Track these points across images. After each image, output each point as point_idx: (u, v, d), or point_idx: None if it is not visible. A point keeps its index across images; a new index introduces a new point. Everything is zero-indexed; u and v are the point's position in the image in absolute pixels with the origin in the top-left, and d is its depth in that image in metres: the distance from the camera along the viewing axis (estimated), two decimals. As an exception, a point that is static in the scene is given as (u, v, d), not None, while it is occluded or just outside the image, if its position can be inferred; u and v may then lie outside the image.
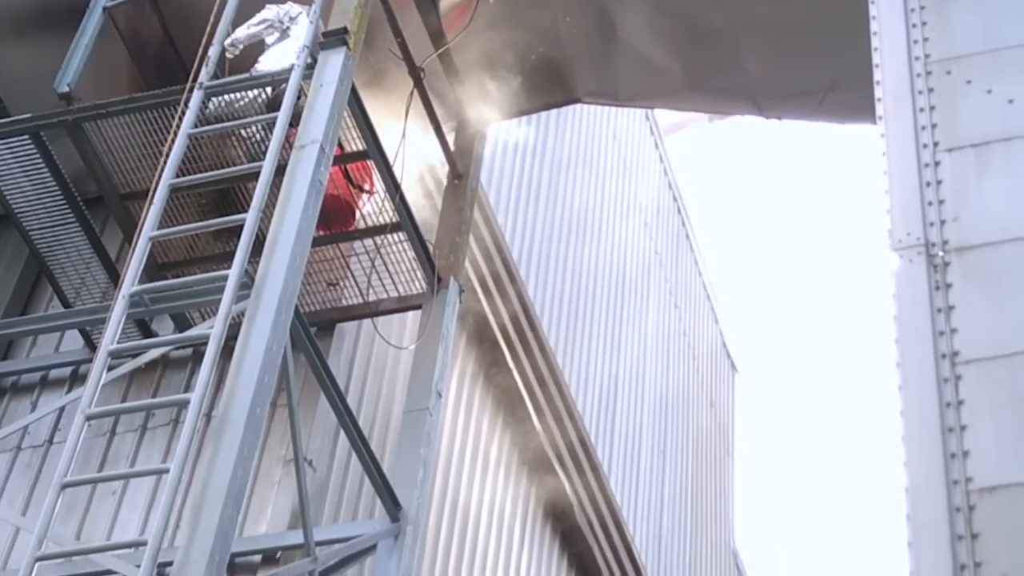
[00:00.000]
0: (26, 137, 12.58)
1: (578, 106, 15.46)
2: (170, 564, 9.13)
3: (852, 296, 51.62)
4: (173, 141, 11.34)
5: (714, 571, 22.39)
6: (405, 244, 13.07)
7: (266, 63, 12.35)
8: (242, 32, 12.66)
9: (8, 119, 12.96)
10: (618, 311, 20.39)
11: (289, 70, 11.71)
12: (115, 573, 10.64)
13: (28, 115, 12.71)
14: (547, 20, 13.84)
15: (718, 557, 22.76)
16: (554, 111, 15.75)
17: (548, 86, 14.50)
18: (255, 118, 11.89)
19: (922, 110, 10.21)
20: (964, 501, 8.30)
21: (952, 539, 8.19)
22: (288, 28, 12.65)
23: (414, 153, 14.18)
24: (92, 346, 12.62)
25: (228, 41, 12.26)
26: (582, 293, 19.14)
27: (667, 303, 22.67)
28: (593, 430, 18.09)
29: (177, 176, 11.17)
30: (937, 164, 9.91)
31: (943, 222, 9.56)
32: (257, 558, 11.59)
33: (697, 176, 26.43)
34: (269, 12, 12.80)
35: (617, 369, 19.83)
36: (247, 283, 10.37)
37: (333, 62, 11.63)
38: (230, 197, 12.34)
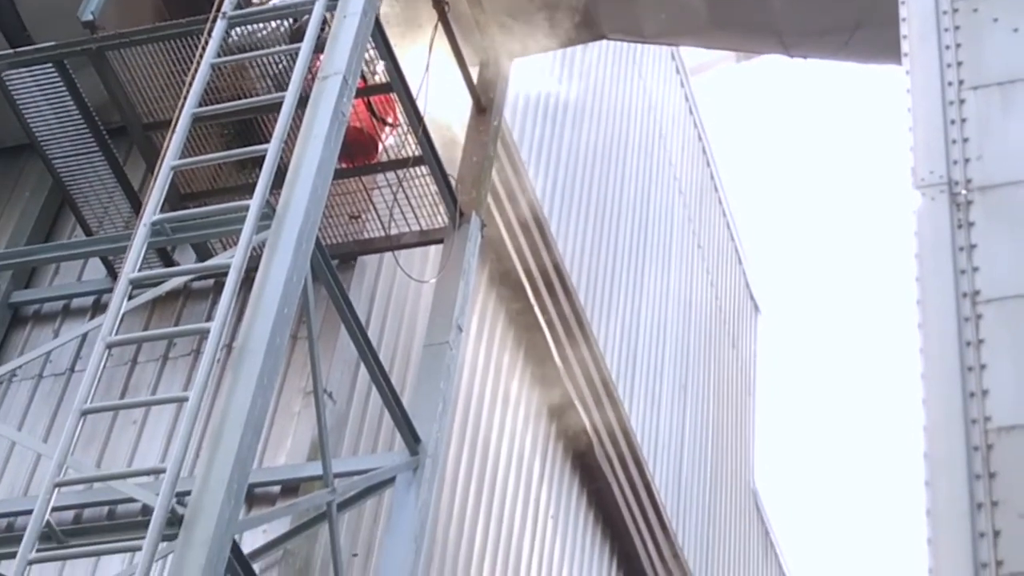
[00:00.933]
0: (50, 65, 12.57)
1: (603, 43, 15.33)
2: (189, 493, 9.13)
3: (877, 236, 51.60)
4: (196, 71, 11.33)
5: (733, 510, 22.41)
6: (428, 178, 13.04)
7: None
8: None
9: (32, 47, 12.98)
10: (641, 250, 20.37)
11: (313, 0, 11.67)
12: (134, 500, 10.68)
13: (52, 43, 12.71)
14: (572, -45, 13.80)
15: (738, 496, 22.78)
16: (579, 47, 15.65)
17: (573, 22, 14.42)
18: (278, 48, 11.84)
19: (948, 48, 10.17)
20: (982, 440, 8.28)
21: (970, 478, 8.17)
22: None
23: (438, 86, 14.14)
24: (114, 275, 12.66)
25: None
26: (606, 232, 19.11)
27: (691, 243, 22.64)
28: (614, 368, 18.09)
29: (200, 106, 11.16)
30: (962, 102, 9.88)
31: (967, 160, 9.52)
32: (276, 489, 11.63)
33: (723, 117, 26.37)
34: None
35: (639, 307, 19.82)
36: (268, 213, 10.35)
37: (355, -7, 11.60)
38: (252, 128, 12.31)
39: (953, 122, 9.76)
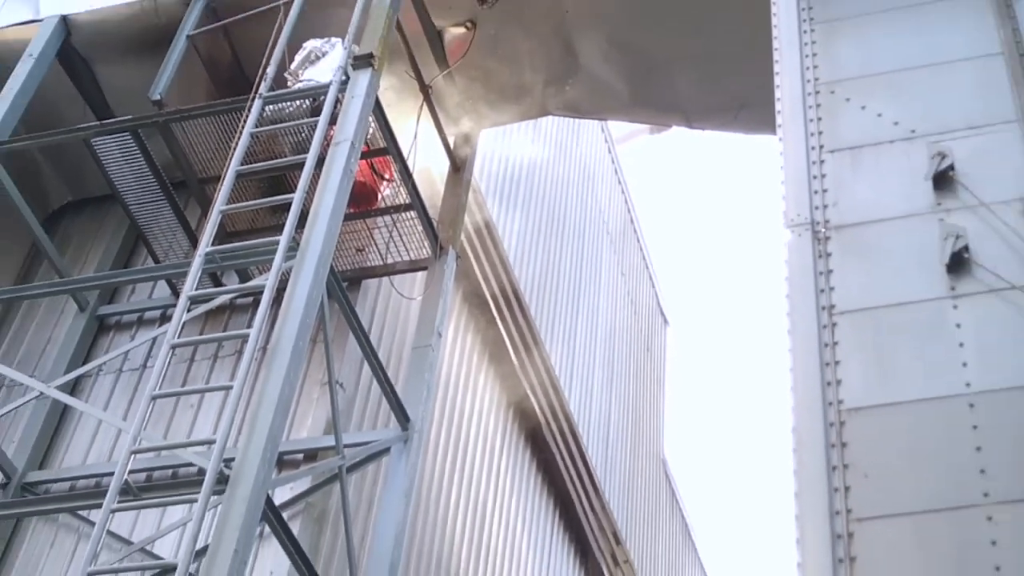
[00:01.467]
0: (127, 134, 12.61)
1: (549, 117, 15.41)
2: (233, 459, 9.17)
3: (759, 264, 52.10)
4: (239, 138, 11.38)
5: (647, 473, 22.45)
6: (415, 220, 13.10)
7: (310, 78, 12.30)
8: (294, 65, 12.62)
9: (113, 119, 13.00)
10: (579, 277, 20.40)
11: (328, 84, 11.71)
12: (192, 464, 10.70)
13: (128, 117, 12.75)
14: (526, 51, 13.79)
15: (651, 463, 22.83)
16: (531, 121, 15.74)
17: (525, 102, 14.45)
18: (301, 121, 11.89)
19: (811, 121, 10.22)
20: (836, 418, 8.33)
21: (827, 447, 8.21)
22: (325, 54, 12.59)
23: (423, 150, 14.20)
24: (176, 293, 12.65)
25: (286, 73, 12.26)
26: (551, 262, 19.14)
27: (615, 271, 22.69)
28: (558, 366, 18.11)
29: (242, 165, 11.21)
30: (822, 162, 9.92)
31: (825, 206, 9.58)
32: (300, 456, 11.67)
33: (641, 175, 26.40)
34: (309, 44, 12.74)
35: (577, 320, 19.86)
36: (294, 247, 10.41)
37: (362, 79, 11.65)
38: (282, 181, 12.35)
39: (815, 177, 9.80)
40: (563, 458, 17.94)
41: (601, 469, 19.31)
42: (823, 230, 9.38)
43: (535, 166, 19.16)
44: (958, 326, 8.56)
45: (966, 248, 8.90)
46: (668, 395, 25.24)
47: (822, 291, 9.00)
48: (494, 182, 17.04)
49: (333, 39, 12.81)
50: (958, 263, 8.84)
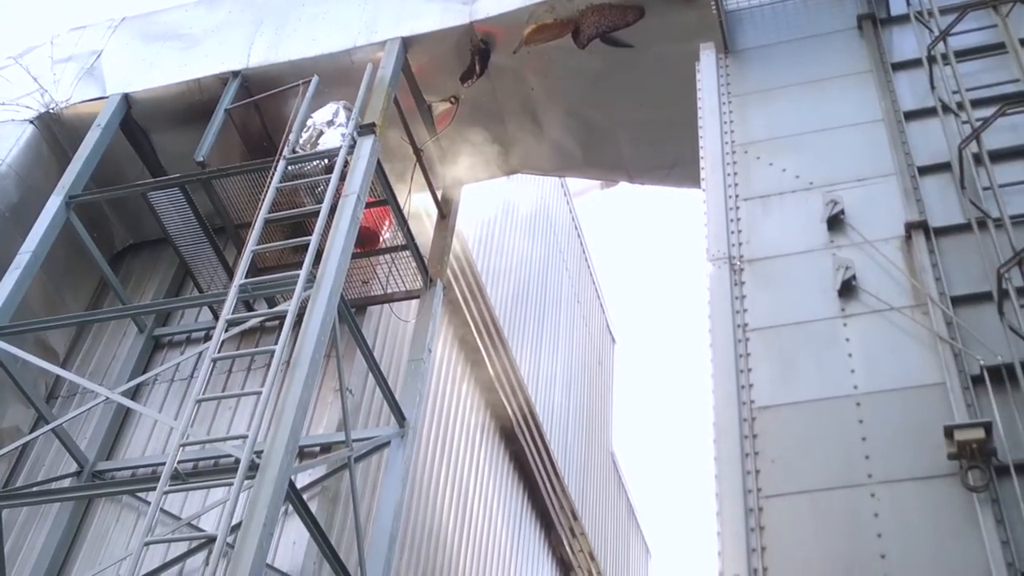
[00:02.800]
0: (177, 189, 12.53)
1: (518, 174, 15.40)
2: (262, 451, 9.10)
3: (687, 292, 52.33)
4: (267, 192, 11.33)
5: (599, 464, 22.39)
6: (410, 258, 13.04)
7: (324, 143, 12.27)
8: (313, 120, 12.57)
9: (166, 177, 12.93)
10: (543, 304, 20.36)
11: (339, 148, 11.68)
12: (230, 455, 10.62)
13: (178, 175, 12.69)
14: (499, 122, 13.78)
15: (601, 454, 22.77)
16: (504, 178, 15.73)
17: (499, 162, 14.41)
18: (317, 177, 11.83)
19: (729, 175, 10.24)
20: (749, 415, 8.34)
21: (741, 438, 8.22)
22: (335, 120, 12.54)
23: (416, 201, 14.19)
24: (217, 317, 12.56)
25: (303, 140, 12.22)
26: (521, 292, 19.11)
27: (572, 299, 22.67)
28: (525, 374, 18.05)
29: (269, 213, 11.16)
30: (738, 208, 9.95)
31: (740, 244, 9.59)
32: (317, 448, 11.60)
33: (594, 221, 26.45)
34: (330, 108, 12.69)
35: (541, 337, 19.81)
36: (311, 280, 10.35)
37: (366, 144, 11.62)
38: (302, 226, 12.27)
39: (732, 220, 9.81)
40: (530, 450, 17.88)
41: (561, 459, 19.25)
42: (738, 263, 9.39)
43: (509, 215, 19.16)
44: (847, 340, 8.58)
45: (854, 277, 8.93)
46: (615, 400, 25.19)
47: (737, 312, 9.01)
48: (475, 229, 17.01)
49: (338, 110, 12.74)
50: (847, 289, 8.88)
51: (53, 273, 13.13)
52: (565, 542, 19.12)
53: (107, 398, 11.11)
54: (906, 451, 7.73)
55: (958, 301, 8.51)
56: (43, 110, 13.59)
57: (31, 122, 13.51)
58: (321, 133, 12.31)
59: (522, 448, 17.64)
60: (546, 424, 18.63)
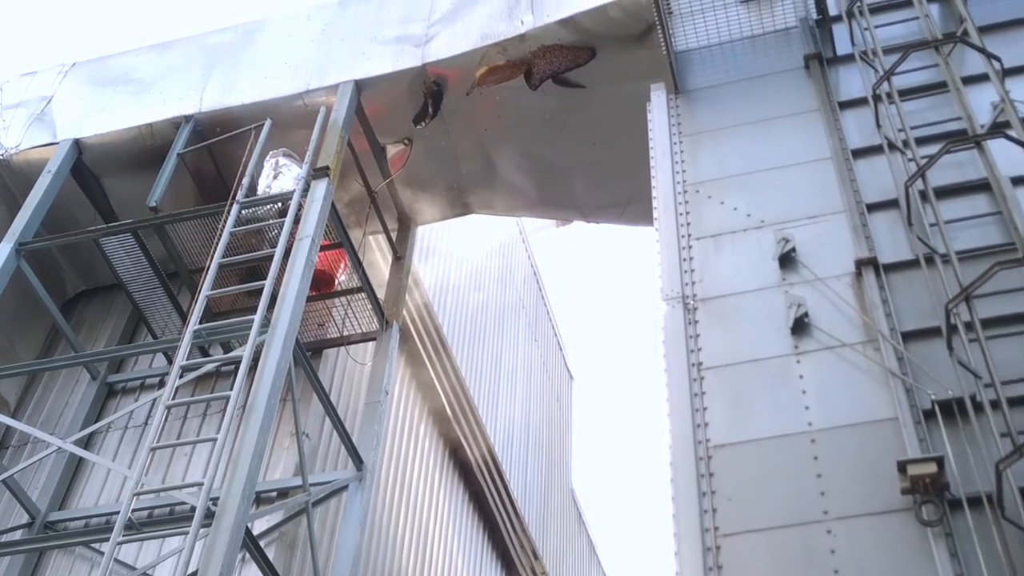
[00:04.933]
0: (129, 234, 12.50)
1: (473, 215, 15.48)
2: (218, 498, 9.06)
3: (642, 330, 52.45)
4: (220, 236, 11.33)
5: (559, 501, 22.34)
6: (365, 300, 13.06)
7: (276, 187, 12.28)
8: (262, 181, 12.58)
9: (118, 223, 12.90)
10: (500, 343, 20.35)
11: (293, 192, 11.71)
12: (184, 503, 10.56)
13: (130, 220, 12.67)
14: (453, 163, 13.86)
15: (561, 492, 22.73)
16: (459, 218, 15.80)
17: (453, 203, 14.50)
18: (271, 221, 11.86)
19: (681, 214, 10.32)
20: (705, 453, 8.39)
21: (698, 477, 8.26)
22: (281, 171, 12.55)
23: (371, 244, 14.22)
24: (171, 363, 12.49)
25: (259, 189, 12.24)
26: (477, 332, 19.11)
27: (529, 337, 22.70)
28: (484, 413, 18.00)
29: (223, 257, 11.16)
30: (690, 247, 10.02)
31: (694, 283, 9.68)
32: (273, 493, 11.53)
33: (550, 260, 26.50)
34: (268, 164, 12.70)
35: (499, 376, 19.79)
36: (266, 324, 10.35)
37: (320, 187, 11.66)
38: (256, 269, 12.28)
39: (685, 259, 9.89)
40: (490, 490, 17.84)
41: (521, 498, 19.21)
42: (692, 302, 9.47)
43: (464, 256, 19.20)
44: (801, 377, 8.67)
45: (806, 314, 9.02)
46: (574, 437, 25.20)
47: (692, 351, 9.08)
48: (430, 270, 17.03)
49: (284, 159, 12.76)
50: (800, 326, 8.97)
51: (3, 321, 13.07)
52: (526, 582, 19.09)
53: (59, 448, 11.03)
54: (861, 487, 7.81)
55: (908, 336, 8.62)
56: (-8, 156, 13.55)
57: (-20, 168, 13.46)
58: (270, 186, 12.35)
59: (481, 488, 17.61)
60: (505, 463, 18.61)
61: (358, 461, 11.87)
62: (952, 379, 8.14)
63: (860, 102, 10.72)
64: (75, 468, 12.50)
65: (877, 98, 10.33)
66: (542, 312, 24.22)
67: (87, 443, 12.52)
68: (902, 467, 7.60)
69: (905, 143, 9.71)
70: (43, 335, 14.00)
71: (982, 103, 10.01)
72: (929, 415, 8.05)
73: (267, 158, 12.55)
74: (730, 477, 8.12)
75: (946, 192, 9.32)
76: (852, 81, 11.06)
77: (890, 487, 7.67)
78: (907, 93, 10.25)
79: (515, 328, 21.64)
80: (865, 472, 7.88)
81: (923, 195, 9.27)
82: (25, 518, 11.86)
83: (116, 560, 10.39)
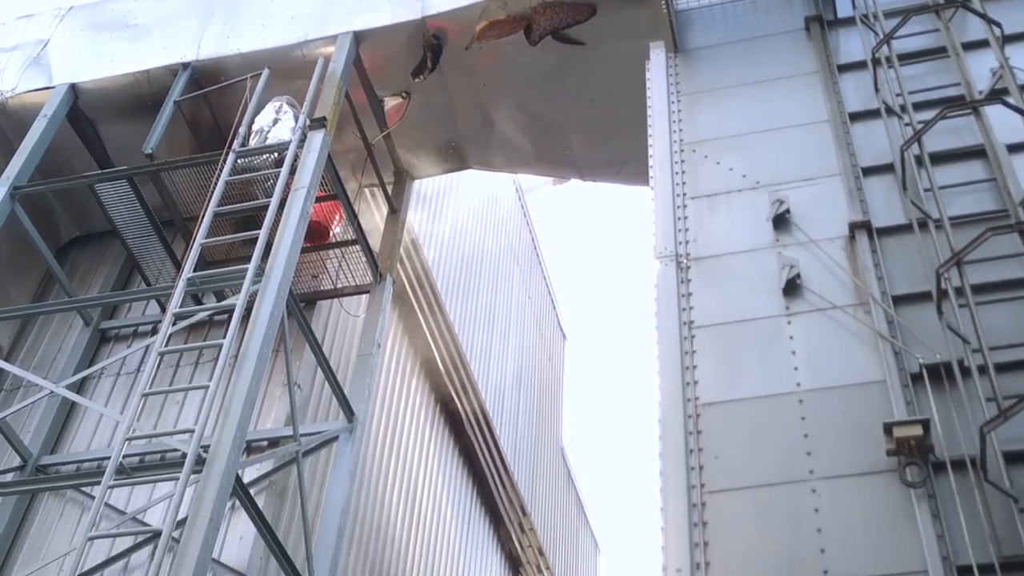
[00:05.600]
0: (124, 181, 12.49)
1: (470, 171, 15.49)
2: (209, 446, 9.12)
3: (635, 289, 52.49)
4: (215, 185, 11.33)
5: (548, 458, 22.46)
6: (360, 253, 13.09)
7: (273, 136, 12.26)
8: (258, 124, 12.54)
9: (113, 169, 12.89)
10: (493, 300, 20.42)
11: (289, 142, 11.71)
12: (176, 450, 10.63)
13: (125, 167, 12.65)
14: (451, 117, 13.84)
15: (551, 450, 22.86)
16: (456, 174, 15.79)
17: (450, 157, 14.49)
18: (266, 171, 11.84)
19: (677, 173, 10.34)
20: (694, 411, 8.46)
21: (686, 434, 8.33)
22: (280, 117, 12.51)
23: (366, 197, 14.23)
24: (164, 310, 12.55)
25: (253, 133, 12.21)
26: (471, 287, 19.15)
27: (523, 294, 22.76)
28: (476, 369, 18.09)
29: (218, 206, 11.17)
30: (685, 206, 10.06)
31: (687, 242, 9.71)
32: (264, 443, 11.61)
33: (545, 218, 26.43)
34: (271, 107, 12.67)
35: (492, 334, 19.87)
36: (260, 273, 10.37)
37: (316, 138, 11.64)
38: (251, 219, 12.28)
39: (679, 218, 9.92)
40: (480, 445, 17.96)
41: (511, 454, 19.34)
42: (685, 261, 9.52)
43: (460, 210, 19.22)
44: (791, 338, 8.73)
45: (798, 276, 9.08)
46: (566, 396, 25.31)
47: (683, 310, 9.14)
48: (426, 223, 17.06)
49: (284, 105, 12.72)
50: (792, 288, 9.03)
51: (-3, 265, 13.08)
52: (514, 537, 19.24)
53: (51, 392, 11.08)
54: (847, 447, 7.90)
55: (899, 300, 8.69)
56: (-12, 99, 13.52)
57: (-25, 111, 13.43)
58: (269, 128, 12.31)
59: (471, 443, 17.72)
60: (496, 419, 18.72)
61: (349, 413, 11.94)
62: (941, 343, 8.21)
63: (859, 65, 10.73)
64: (67, 413, 12.54)
65: (876, 62, 10.35)
66: (536, 270, 24.27)
67: (79, 388, 12.55)
68: (888, 429, 7.68)
69: (903, 107, 9.73)
70: (37, 280, 14.02)
71: (981, 69, 10.04)
72: (917, 379, 8.13)
73: (272, 100, 12.51)
74: (718, 435, 8.19)
75: (941, 158, 9.36)
76: (852, 44, 11.07)
77: (876, 449, 7.76)
78: (907, 57, 10.26)
79: (509, 286, 21.70)
80: (851, 433, 7.96)
81: (919, 160, 9.31)
82: (17, 461, 11.92)
83: (106, 504, 10.48)
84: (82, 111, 13.46)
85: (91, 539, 8.81)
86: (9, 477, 11.84)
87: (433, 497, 16.21)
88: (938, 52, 10.29)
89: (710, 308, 9.11)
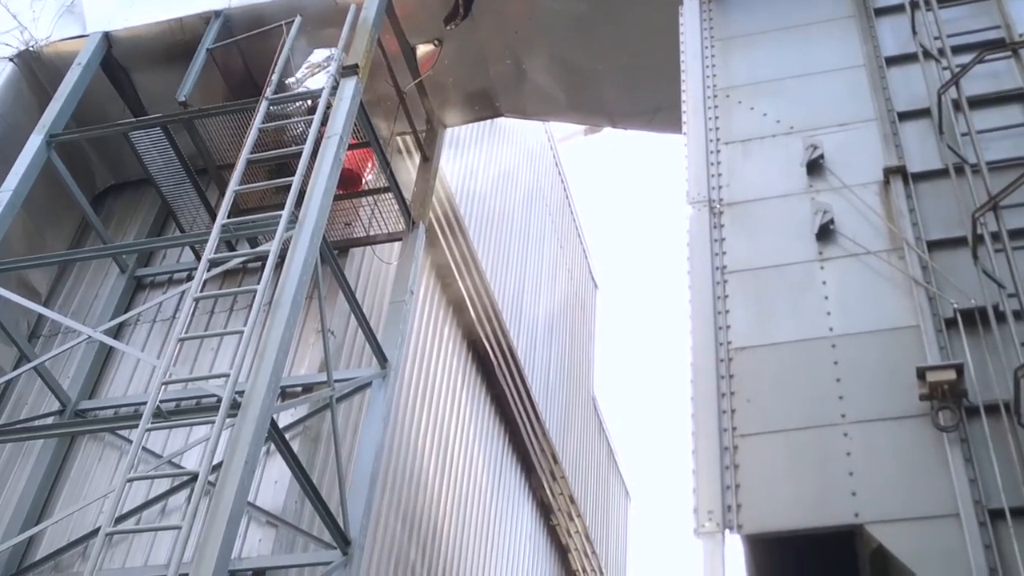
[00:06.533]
0: (158, 128, 12.52)
1: (502, 119, 15.45)
2: (244, 391, 9.20)
3: (668, 236, 52.39)
4: (250, 132, 11.34)
5: (580, 407, 22.53)
6: (392, 200, 13.09)
7: (308, 82, 12.27)
8: (299, 72, 12.57)
9: (147, 117, 12.93)
10: (525, 247, 20.39)
11: (321, 89, 11.70)
12: (211, 395, 10.72)
13: (159, 115, 12.68)
14: (483, 65, 13.80)
15: (582, 398, 22.92)
16: (488, 121, 15.77)
17: (482, 105, 14.47)
18: (299, 119, 11.86)
19: (710, 119, 10.30)
20: (726, 355, 8.46)
21: (718, 378, 8.34)
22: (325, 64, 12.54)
23: (398, 144, 14.22)
24: (199, 257, 12.63)
25: (293, 78, 12.22)
26: (503, 235, 19.15)
27: (555, 243, 22.73)
28: (507, 317, 18.11)
29: (252, 154, 11.18)
30: (718, 152, 10.02)
31: (720, 187, 9.68)
32: (299, 388, 11.68)
33: (577, 167, 26.38)
34: (314, 56, 12.68)
35: (524, 282, 19.87)
36: (293, 220, 10.40)
37: (349, 85, 11.63)
38: (284, 167, 12.30)
39: (712, 164, 9.89)
40: (511, 392, 18.01)
41: (542, 402, 19.41)
42: (718, 206, 9.49)
43: (492, 158, 19.19)
44: (824, 283, 8.71)
45: (832, 221, 9.04)
46: (597, 344, 25.32)
47: (716, 255, 9.12)
48: (457, 171, 17.04)
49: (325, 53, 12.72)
50: (825, 233, 8.99)
51: (34, 212, 13.15)
52: (545, 485, 19.33)
53: (89, 337, 11.18)
54: (879, 392, 7.88)
55: (934, 245, 8.64)
56: (23, 48, 13.54)
57: (11, 60, 13.46)
58: (318, 65, 12.31)
59: (503, 391, 17.78)
60: (527, 367, 18.77)
61: (382, 359, 11.99)
62: (975, 289, 8.17)
63: (896, 9, 10.61)
64: (105, 358, 12.67)
65: (914, 5, 10.22)
66: (568, 219, 24.23)
67: (116, 334, 12.67)
68: (921, 373, 7.66)
69: (941, 51, 9.62)
70: (73, 227, 14.11)
71: (1022, 11, 9.90)
72: (950, 324, 8.10)
73: (323, 49, 12.53)
74: (750, 379, 8.20)
75: (979, 102, 9.27)
76: (889, -13, 10.93)
77: (908, 393, 7.75)
78: (945, 0, 10.12)
79: (541, 234, 21.68)
80: (884, 378, 7.95)
81: (956, 104, 9.22)
82: (56, 405, 12.06)
83: (144, 448, 10.62)
84: (116, 59, 13.49)
85: (129, 481, 8.93)
86: (49, 421, 11.99)
87: (465, 444, 16.30)
88: (977, -6, 10.16)
89: (743, 253, 9.09)
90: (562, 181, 24.19)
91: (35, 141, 12.37)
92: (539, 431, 18.97)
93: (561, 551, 20.17)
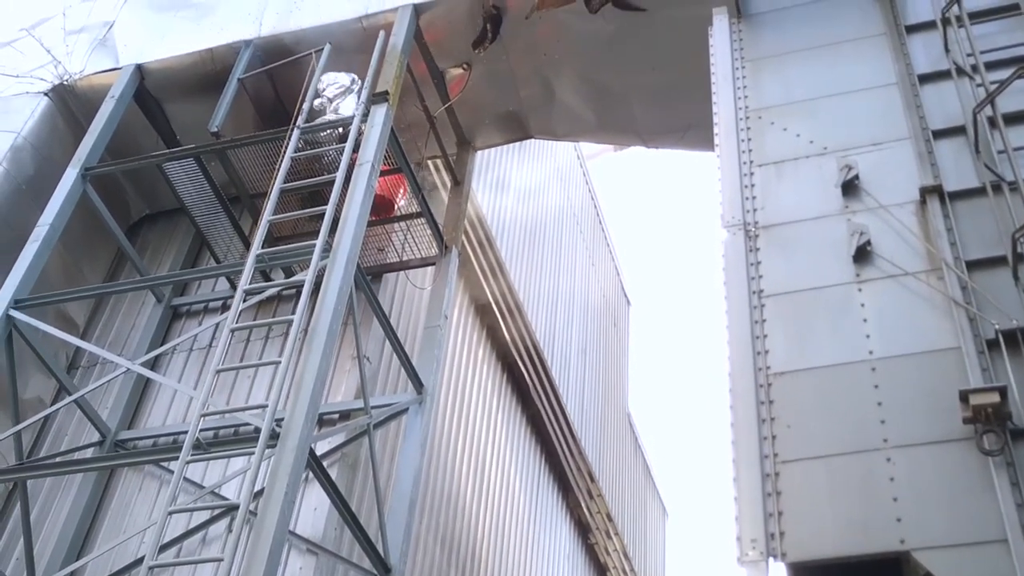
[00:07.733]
0: (191, 159, 12.56)
1: (532, 140, 15.41)
2: (282, 419, 9.20)
3: (702, 257, 52.14)
4: (282, 161, 11.37)
5: (615, 425, 22.47)
6: (425, 225, 13.08)
7: (341, 111, 12.29)
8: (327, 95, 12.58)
9: (180, 148, 12.97)
10: (557, 267, 20.39)
11: (352, 117, 11.71)
12: (249, 424, 10.72)
13: (192, 145, 12.72)
14: (512, 87, 13.78)
15: (618, 416, 22.85)
16: (517, 143, 15.73)
17: (512, 127, 14.44)
18: (331, 147, 11.87)
19: (743, 140, 10.23)
20: (765, 380, 8.37)
21: (757, 404, 8.25)
22: (352, 89, 12.54)
23: (429, 168, 14.22)
24: (234, 287, 12.65)
25: (317, 104, 12.23)
26: (535, 255, 19.13)
27: (587, 262, 22.70)
28: (541, 338, 18.08)
29: (284, 183, 11.21)
30: (752, 174, 9.94)
31: (755, 210, 9.61)
32: (336, 415, 11.68)
33: (607, 185, 26.29)
34: (342, 79, 12.68)
35: (557, 301, 19.84)
36: (328, 248, 10.41)
37: (379, 112, 11.63)
38: (317, 195, 12.32)
39: (746, 186, 9.81)
40: (547, 412, 17.97)
41: (578, 421, 19.36)
42: (753, 229, 9.41)
43: (524, 178, 19.18)
44: (862, 305, 8.61)
45: (868, 242, 8.95)
46: (631, 362, 25.26)
47: (752, 279, 9.04)
48: (490, 193, 17.04)
49: (353, 78, 12.72)
50: (862, 255, 8.89)
51: (71, 245, 13.22)
52: (583, 504, 19.27)
53: (127, 368, 11.22)
54: (921, 416, 7.78)
55: (973, 265, 8.53)
56: (57, 82, 13.63)
57: (46, 94, 13.55)
58: (343, 93, 12.31)
59: (539, 411, 17.74)
60: (562, 386, 18.72)
61: (418, 384, 11.98)
62: (1017, 308, 8.06)
63: (928, 26, 10.52)
64: (143, 389, 12.73)
65: (946, 21, 10.14)
66: (600, 237, 24.18)
67: (154, 364, 12.70)
68: (964, 396, 7.55)
69: (974, 68, 9.53)
70: (109, 259, 14.18)
71: (1056, 27, 9.81)
72: (993, 345, 7.98)
73: (347, 74, 12.55)
74: (790, 404, 8.11)
75: (1016, 119, 9.16)
76: (920, 4, 10.85)
77: (951, 416, 7.63)
78: (977, 16, 10.05)
79: (572, 252, 21.65)
80: (926, 401, 7.84)
81: (991, 121, 9.12)
82: (96, 437, 12.12)
83: (184, 478, 10.62)
84: (148, 91, 13.56)
85: (171, 513, 8.93)
86: (89, 453, 12.04)
87: (501, 465, 16.27)
88: (1011, 10, 10.06)
89: (779, 276, 9.00)
90: (592, 198, 24.16)
91: (71, 175, 12.44)
92: (575, 449, 18.92)
93: (600, 570, 20.09)
